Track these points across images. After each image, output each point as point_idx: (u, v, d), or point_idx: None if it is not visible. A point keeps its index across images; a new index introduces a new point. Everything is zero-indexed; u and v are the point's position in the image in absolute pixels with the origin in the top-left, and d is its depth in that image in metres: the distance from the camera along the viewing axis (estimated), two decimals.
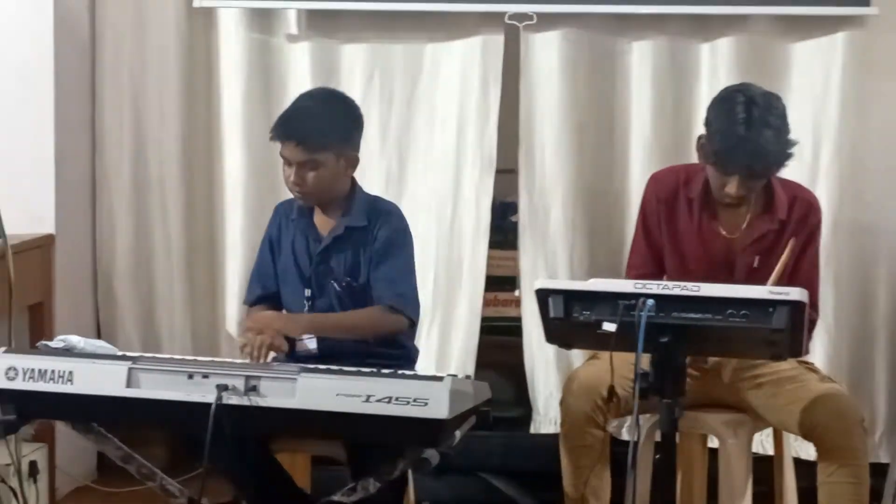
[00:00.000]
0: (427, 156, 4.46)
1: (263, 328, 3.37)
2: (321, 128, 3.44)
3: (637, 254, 3.71)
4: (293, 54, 4.48)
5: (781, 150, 3.44)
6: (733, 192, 3.47)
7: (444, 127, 4.44)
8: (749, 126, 3.39)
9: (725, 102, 3.49)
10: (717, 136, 3.45)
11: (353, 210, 3.52)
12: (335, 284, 3.51)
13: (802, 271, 3.57)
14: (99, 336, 4.46)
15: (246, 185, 4.51)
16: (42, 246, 4.23)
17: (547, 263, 4.41)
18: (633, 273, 3.66)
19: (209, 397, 2.95)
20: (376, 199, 3.64)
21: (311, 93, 3.67)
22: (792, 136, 3.48)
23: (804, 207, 3.61)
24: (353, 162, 3.52)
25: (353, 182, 3.58)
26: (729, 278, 3.55)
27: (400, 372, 3.14)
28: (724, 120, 3.44)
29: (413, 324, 3.54)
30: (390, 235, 3.52)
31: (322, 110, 3.49)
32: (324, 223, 3.55)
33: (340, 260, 3.52)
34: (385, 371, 3.09)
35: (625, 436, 4.32)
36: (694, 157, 3.74)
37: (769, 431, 4.00)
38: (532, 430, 4.43)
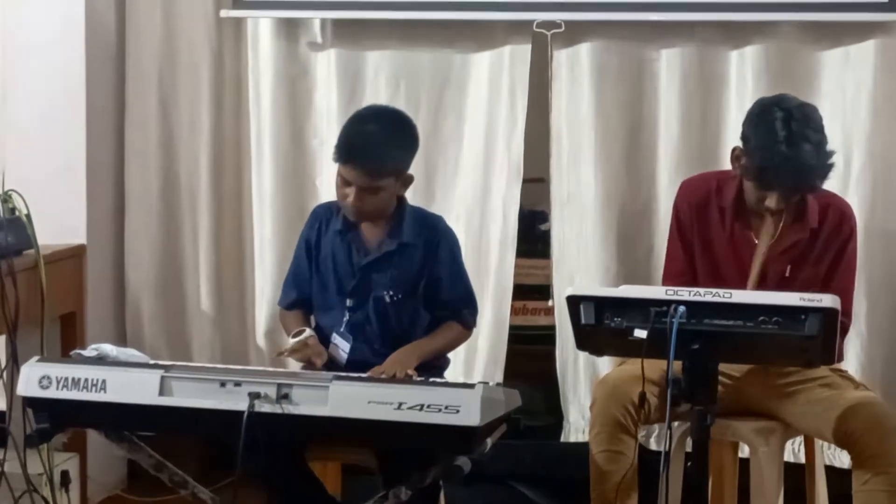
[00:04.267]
0: (455, 164, 4.46)
1: (401, 368, 3.39)
2: (388, 156, 3.47)
3: (674, 261, 3.69)
4: (320, 63, 4.49)
5: (823, 163, 3.43)
6: (773, 206, 3.46)
7: (471, 136, 4.44)
8: (791, 143, 3.37)
9: (763, 118, 3.45)
10: (757, 154, 3.43)
11: (404, 226, 3.56)
12: (386, 296, 3.53)
13: (837, 278, 3.55)
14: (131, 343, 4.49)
15: (273, 196, 4.53)
16: (74, 256, 4.24)
17: (576, 272, 4.40)
18: (674, 282, 3.61)
19: (241, 405, 2.98)
20: (421, 211, 3.69)
21: (374, 114, 3.63)
22: (830, 146, 3.47)
23: (837, 215, 3.59)
24: (409, 181, 3.57)
25: (401, 195, 3.60)
26: (760, 287, 3.54)
27: (431, 380, 3.15)
28: (763, 137, 3.41)
29: None
30: (452, 255, 3.61)
31: (388, 136, 3.49)
32: (370, 235, 3.58)
33: (385, 273, 3.54)
34: (417, 378, 3.09)
35: (653, 445, 4.31)
36: (723, 165, 3.73)
37: (801, 440, 3.99)
38: (563, 439, 4.42)
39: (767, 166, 3.41)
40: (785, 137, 3.38)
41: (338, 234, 3.58)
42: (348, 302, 3.55)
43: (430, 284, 3.57)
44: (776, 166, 3.39)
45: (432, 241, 3.57)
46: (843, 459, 4.08)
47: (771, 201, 3.45)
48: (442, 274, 3.57)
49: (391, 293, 3.53)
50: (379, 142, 3.46)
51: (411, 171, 3.58)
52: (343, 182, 3.47)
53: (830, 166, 3.46)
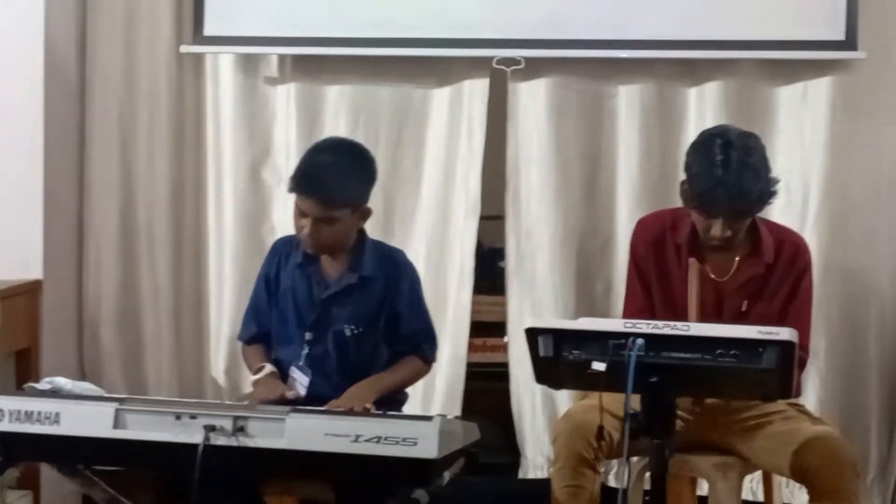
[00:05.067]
0: (414, 200, 4.46)
1: (359, 402, 3.37)
2: (343, 186, 3.45)
3: (634, 298, 3.69)
4: (279, 98, 4.49)
5: (762, 188, 3.45)
6: (718, 234, 3.47)
7: (430, 171, 4.45)
8: (727, 167, 3.40)
9: (703, 146, 3.50)
10: (696, 179, 3.47)
11: (364, 259, 3.55)
12: (346, 329, 3.51)
13: (792, 313, 3.56)
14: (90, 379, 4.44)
15: (233, 230, 4.52)
16: (29, 291, 4.21)
17: (534, 308, 4.39)
18: (634, 318, 3.60)
19: (197, 438, 2.95)
20: (381, 245, 3.67)
21: (330, 146, 3.64)
22: (774, 174, 3.50)
23: (791, 250, 3.61)
24: (367, 214, 3.55)
25: (361, 229, 3.59)
26: (717, 322, 3.54)
27: (389, 412, 3.13)
28: (702, 162, 3.46)
29: None
30: (412, 288, 3.60)
31: (343, 167, 3.48)
32: (330, 269, 3.56)
33: (346, 307, 3.53)
34: (374, 411, 3.07)
35: (612, 482, 4.30)
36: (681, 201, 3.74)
37: (759, 477, 3.99)
38: (521, 476, 4.40)
39: (704, 190, 3.44)
40: (721, 162, 3.41)
41: (298, 268, 3.56)
42: (307, 335, 3.53)
43: (391, 318, 3.55)
44: (712, 189, 3.42)
45: (393, 274, 3.56)
46: (802, 497, 4.08)
47: (716, 229, 3.47)
48: (402, 308, 3.56)
49: (352, 327, 3.51)
50: (333, 172, 3.45)
51: (372, 205, 3.57)
52: (299, 214, 3.46)
53: (771, 192, 3.49)
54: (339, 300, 3.53)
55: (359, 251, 3.55)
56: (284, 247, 3.64)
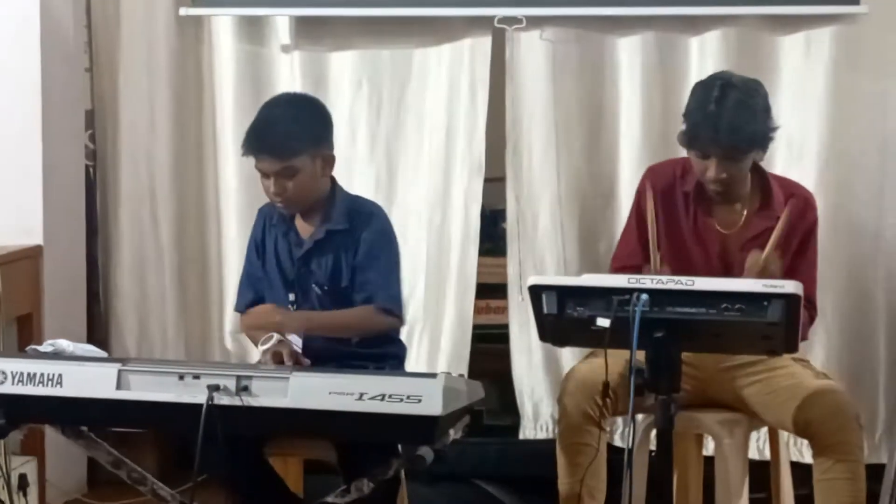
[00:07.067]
0: (416, 162, 4.43)
1: (264, 323, 3.37)
2: (290, 133, 3.41)
3: (626, 245, 3.68)
4: (282, 63, 4.47)
5: (755, 129, 3.42)
6: (713, 176, 3.44)
7: (433, 132, 4.42)
8: (721, 104, 3.38)
9: (702, 86, 3.49)
10: (689, 116, 3.45)
11: (333, 213, 3.49)
12: (316, 288, 3.48)
13: (800, 268, 3.54)
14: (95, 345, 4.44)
15: (237, 194, 4.49)
16: (30, 257, 4.20)
17: (535, 268, 4.37)
18: (618, 264, 3.64)
19: (200, 398, 2.93)
20: (357, 199, 3.61)
21: (274, 100, 3.64)
22: (775, 122, 3.47)
23: (801, 203, 3.58)
24: (330, 161, 3.49)
25: (334, 183, 3.55)
26: (727, 276, 3.52)
27: (392, 370, 3.11)
28: (698, 100, 3.44)
29: (403, 323, 3.56)
30: (374, 238, 3.50)
31: (288, 116, 3.46)
32: (304, 226, 3.53)
33: (322, 264, 3.49)
34: (378, 369, 3.06)
35: (618, 441, 4.29)
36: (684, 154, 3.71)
37: (766, 436, 3.98)
38: (521, 437, 4.39)
39: (695, 124, 3.42)
40: (716, 98, 3.39)
41: (277, 230, 3.54)
42: (290, 297, 3.50)
43: (353, 271, 3.48)
44: (701, 123, 3.39)
45: (358, 226, 3.49)
46: (809, 456, 4.06)
47: (710, 171, 3.44)
48: (361, 257, 3.47)
49: (326, 284, 3.48)
50: (277, 124, 3.43)
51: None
52: (262, 175, 3.44)
53: (767, 137, 3.46)
54: (313, 256, 3.49)
55: (330, 205, 3.51)
56: (269, 211, 3.60)
